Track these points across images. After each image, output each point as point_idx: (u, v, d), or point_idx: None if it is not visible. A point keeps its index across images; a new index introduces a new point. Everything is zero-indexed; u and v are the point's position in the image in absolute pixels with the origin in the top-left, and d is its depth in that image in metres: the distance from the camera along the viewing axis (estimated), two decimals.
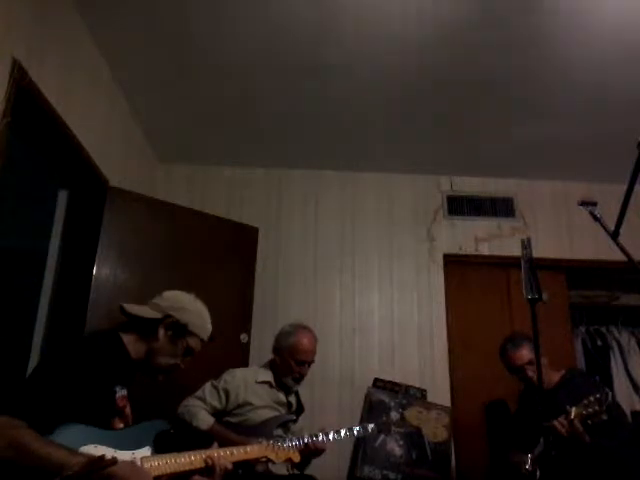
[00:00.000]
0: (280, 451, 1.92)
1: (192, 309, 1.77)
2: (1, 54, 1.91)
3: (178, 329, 1.72)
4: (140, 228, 3.00)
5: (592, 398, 2.20)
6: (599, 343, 4.09)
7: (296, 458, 1.99)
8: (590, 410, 2.19)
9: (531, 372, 2.50)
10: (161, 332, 1.70)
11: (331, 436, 2.31)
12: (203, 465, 1.58)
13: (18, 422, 1.30)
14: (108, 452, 1.37)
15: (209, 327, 1.82)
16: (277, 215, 3.89)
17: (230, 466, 1.66)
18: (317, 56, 2.74)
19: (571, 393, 2.42)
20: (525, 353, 2.54)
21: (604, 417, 2.16)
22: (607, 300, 4.23)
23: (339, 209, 3.94)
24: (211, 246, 3.29)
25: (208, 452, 1.63)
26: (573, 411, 2.23)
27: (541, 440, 2.36)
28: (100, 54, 2.75)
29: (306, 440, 2.23)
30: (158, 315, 1.71)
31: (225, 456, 1.67)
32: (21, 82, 2.00)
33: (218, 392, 2.42)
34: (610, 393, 2.22)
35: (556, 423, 2.24)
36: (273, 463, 1.98)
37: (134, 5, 2.42)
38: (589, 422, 2.19)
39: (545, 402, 2.40)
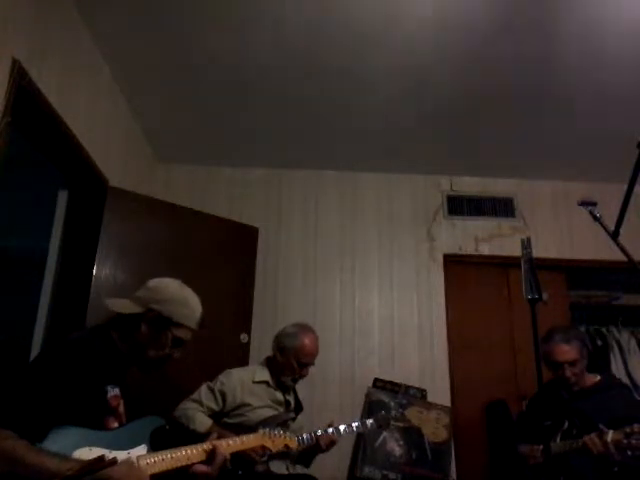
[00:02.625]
0: (276, 439, 1.91)
1: (176, 299, 1.69)
2: (1, 54, 1.91)
3: (161, 322, 1.65)
4: (140, 228, 3.00)
5: (637, 427, 2.00)
6: (599, 343, 4.09)
7: (292, 444, 1.99)
8: (633, 442, 1.98)
9: (569, 373, 2.32)
10: (144, 327, 1.65)
11: (330, 432, 2.32)
12: (200, 459, 1.56)
13: (8, 433, 1.29)
14: (103, 453, 1.36)
15: (197, 315, 1.72)
16: (277, 215, 3.89)
17: (228, 456, 1.64)
18: (317, 57, 2.73)
19: (601, 404, 2.27)
20: (569, 350, 2.33)
21: None
22: (607, 300, 4.22)
23: (339, 209, 3.94)
24: (211, 246, 3.29)
25: (205, 443, 1.62)
26: (610, 435, 2.04)
27: (558, 439, 2.28)
28: (100, 54, 2.75)
29: (306, 436, 2.25)
30: (139, 309, 1.66)
31: (222, 446, 1.65)
32: (21, 82, 2.00)
33: (214, 394, 2.40)
34: None
35: (588, 441, 2.09)
36: (271, 452, 1.98)
37: (134, 5, 2.42)
38: (629, 453, 1.99)
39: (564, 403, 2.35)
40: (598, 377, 2.45)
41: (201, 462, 1.57)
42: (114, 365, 1.64)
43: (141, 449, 1.51)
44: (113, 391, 1.60)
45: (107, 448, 1.43)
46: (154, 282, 1.74)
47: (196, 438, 1.84)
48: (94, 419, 1.49)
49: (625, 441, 2.01)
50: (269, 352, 2.64)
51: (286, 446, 1.95)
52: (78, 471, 1.21)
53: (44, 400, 1.38)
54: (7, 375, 1.50)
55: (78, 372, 1.47)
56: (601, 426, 2.09)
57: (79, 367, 1.48)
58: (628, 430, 2.02)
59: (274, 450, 1.92)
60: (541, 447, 2.28)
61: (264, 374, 2.53)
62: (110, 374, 1.61)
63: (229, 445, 1.71)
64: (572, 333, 2.42)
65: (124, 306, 1.68)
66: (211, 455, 1.59)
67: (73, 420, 1.42)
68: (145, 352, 1.66)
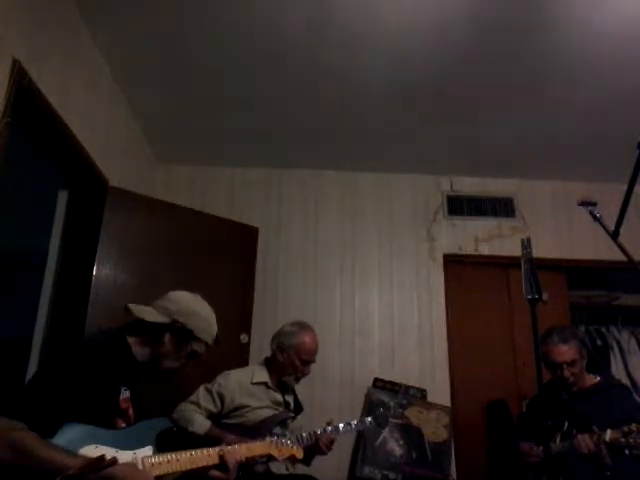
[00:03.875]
0: (283, 448, 1.91)
1: (200, 313, 1.75)
2: (1, 54, 1.91)
3: (184, 334, 1.70)
4: (140, 228, 3.00)
5: (635, 426, 2.00)
6: (599, 343, 4.09)
7: (299, 454, 1.99)
8: (631, 440, 1.97)
9: (568, 373, 2.32)
10: (167, 337, 1.69)
11: (329, 430, 2.32)
12: (204, 464, 1.58)
13: (18, 424, 1.30)
14: (109, 452, 1.37)
15: (215, 331, 1.79)
16: (277, 215, 3.89)
17: (244, 459, 1.69)
18: (316, 57, 2.74)
19: (601, 405, 2.27)
20: (567, 350, 2.33)
21: None
22: (607, 300, 4.23)
23: (339, 209, 3.94)
24: (211, 246, 3.29)
25: (217, 448, 1.65)
26: (608, 434, 2.03)
27: (557, 439, 2.28)
28: (100, 54, 2.75)
29: (305, 435, 2.24)
30: (165, 320, 1.69)
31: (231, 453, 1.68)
32: (21, 82, 2.00)
33: (212, 396, 2.39)
34: None
35: (580, 441, 2.09)
36: (275, 460, 1.98)
37: (134, 5, 2.42)
38: (626, 452, 1.97)
39: (563, 404, 2.34)
40: (598, 378, 2.45)
41: (214, 466, 1.60)
42: (127, 368, 1.66)
43: (147, 450, 1.53)
44: (125, 393, 1.62)
45: (113, 447, 1.44)
46: (175, 295, 1.77)
47: (196, 440, 1.84)
48: (104, 418, 1.51)
49: (623, 440, 2.01)
50: (269, 352, 2.64)
51: (292, 456, 1.95)
52: (79, 470, 1.22)
53: (57, 396, 1.40)
54: (7, 375, 1.51)
55: (93, 372, 1.49)
56: (594, 427, 2.09)
57: (94, 367, 1.50)
58: (626, 429, 2.02)
59: (280, 459, 1.93)
60: (541, 448, 2.28)
61: (263, 375, 2.52)
62: (124, 376, 1.64)
63: (235, 452, 1.72)
64: (570, 333, 2.43)
65: (149, 314, 1.70)
66: (222, 466, 1.62)
67: (83, 417, 1.43)
68: (160, 362, 1.69)
